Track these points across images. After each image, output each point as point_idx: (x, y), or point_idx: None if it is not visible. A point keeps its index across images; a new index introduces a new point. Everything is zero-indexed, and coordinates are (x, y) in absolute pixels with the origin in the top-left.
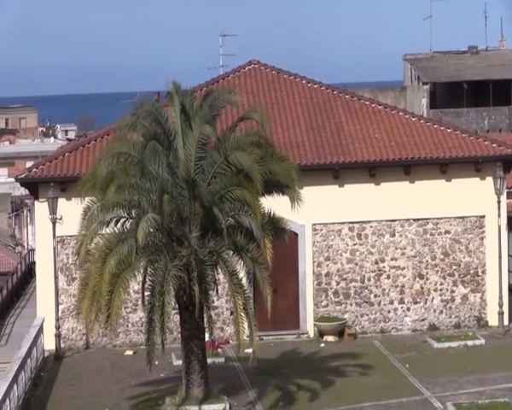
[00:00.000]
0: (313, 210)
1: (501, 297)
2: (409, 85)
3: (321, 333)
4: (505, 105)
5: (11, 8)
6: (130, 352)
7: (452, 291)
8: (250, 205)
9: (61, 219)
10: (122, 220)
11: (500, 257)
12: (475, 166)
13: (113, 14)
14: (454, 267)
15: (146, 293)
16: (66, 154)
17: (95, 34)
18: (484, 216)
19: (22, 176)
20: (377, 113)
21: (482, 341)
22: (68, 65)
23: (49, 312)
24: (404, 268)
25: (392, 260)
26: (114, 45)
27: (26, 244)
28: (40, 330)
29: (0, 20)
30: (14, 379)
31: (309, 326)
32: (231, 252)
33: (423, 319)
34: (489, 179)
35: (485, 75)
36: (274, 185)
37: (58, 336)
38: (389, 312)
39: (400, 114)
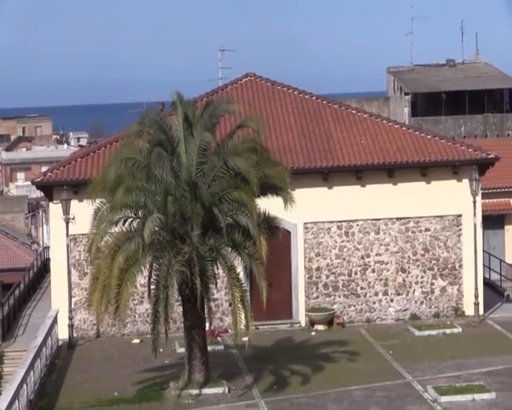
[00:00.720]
0: (304, 210)
1: (476, 289)
2: (392, 96)
3: (312, 322)
4: (480, 113)
5: (24, 27)
6: (137, 340)
7: (432, 284)
8: (247, 205)
9: (73, 219)
10: (129, 220)
11: (476, 253)
12: (453, 169)
13: (121, 33)
14: (433, 262)
15: (151, 286)
16: (78, 159)
17: (104, 50)
18: (461, 215)
19: (38, 180)
20: (363, 121)
21: (459, 329)
22: (80, 78)
23: (62, 304)
24: (387, 263)
25: (376, 255)
26: (122, 60)
27: (41, 242)
28: (54, 320)
29: (16, 39)
30: (31, 366)
31: (301, 316)
32: (230, 249)
33: (405, 310)
34: (465, 181)
35: (461, 86)
36: (268, 187)
37: (71, 326)
38: (374, 303)
39: (384, 121)
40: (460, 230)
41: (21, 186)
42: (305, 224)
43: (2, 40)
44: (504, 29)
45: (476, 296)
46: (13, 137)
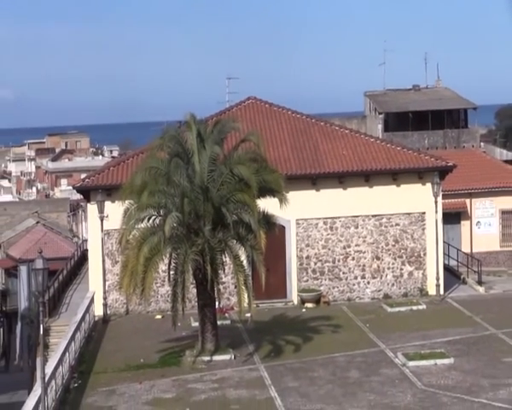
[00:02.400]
0: (296, 209)
1: (438, 273)
2: (368, 115)
3: (302, 301)
4: (440, 129)
5: (65, 58)
6: (159, 316)
7: (401, 269)
8: (249, 205)
9: (107, 216)
10: (153, 218)
11: (437, 243)
12: (418, 175)
13: (142, 63)
14: (402, 251)
15: (171, 272)
16: (110, 168)
17: (130, 77)
18: (425, 212)
19: (78, 185)
20: (344, 135)
21: (424, 306)
22: (111, 100)
23: (98, 287)
24: (364, 252)
25: (355, 246)
26: (145, 85)
27: (80, 236)
28: (91, 300)
29: (59, 68)
30: (72, 338)
31: (293, 296)
32: (235, 241)
33: (379, 290)
34: (428, 185)
35: (425, 107)
36: (267, 190)
37: (105, 305)
38: (354, 285)
39: (362, 136)
40: (424, 224)
41: (64, 190)
42: (296, 220)
43: (48, 70)
44: (460, 60)
45: (437, 279)
46: (57, 150)
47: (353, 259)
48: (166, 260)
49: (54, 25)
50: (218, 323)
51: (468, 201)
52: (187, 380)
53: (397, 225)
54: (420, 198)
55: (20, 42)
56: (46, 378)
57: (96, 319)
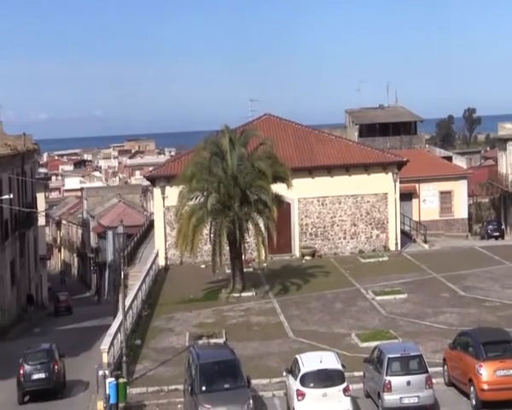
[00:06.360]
0: (298, 191)
1: (396, 235)
2: (348, 125)
3: (303, 255)
4: (398, 135)
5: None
6: (203, 266)
7: (371, 232)
8: (265, 189)
9: (167, 197)
10: (199, 197)
11: (396, 214)
12: (383, 167)
13: (192, 90)
14: (372, 220)
15: (211, 235)
16: (169, 163)
17: (183, 98)
18: (387, 193)
19: (147, 175)
20: (332, 140)
21: (386, 258)
22: (171, 116)
23: (161, 245)
24: (346, 221)
25: (339, 216)
26: (193, 105)
27: (149, 210)
28: (157, 255)
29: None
30: (143, 280)
31: (296, 251)
32: (256, 213)
33: (356, 247)
34: (390, 174)
35: (387, 120)
36: (278, 178)
37: (166, 258)
38: (338, 243)
39: (344, 140)
40: (387, 201)
41: (137, 179)
42: (298, 199)
43: (126, 96)
44: (412, 84)
45: (396, 239)
46: (133, 151)
47: (338, 225)
48: (208, 227)
49: (126, 65)
50: (244, 270)
51: (417, 185)
52: (223, 310)
53: (368, 202)
54: (384, 183)
55: (108, 77)
56: (126, 308)
57: (160, 267)
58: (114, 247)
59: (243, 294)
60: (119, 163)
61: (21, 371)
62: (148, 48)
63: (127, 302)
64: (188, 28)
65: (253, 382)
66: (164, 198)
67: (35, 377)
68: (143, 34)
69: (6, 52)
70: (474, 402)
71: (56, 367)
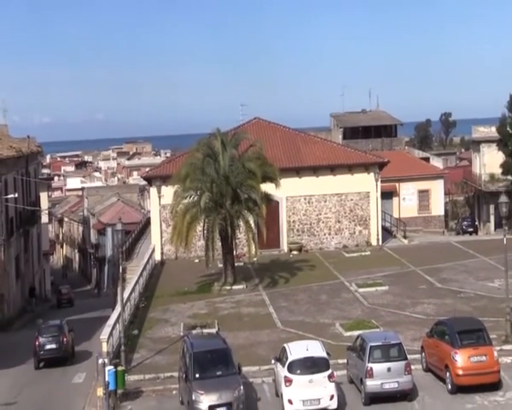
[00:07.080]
0: (286, 190)
1: (377, 231)
2: (333, 128)
3: (290, 250)
4: (379, 138)
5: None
6: (197, 260)
7: (354, 228)
8: (255, 188)
9: (163, 195)
10: (192, 196)
11: (377, 212)
12: (365, 167)
13: (186, 95)
14: (355, 217)
15: (204, 231)
16: (165, 164)
17: (177, 104)
18: (369, 192)
19: (144, 175)
20: (318, 142)
21: (368, 252)
22: (166, 120)
23: (157, 241)
24: (331, 218)
25: (324, 214)
26: (187, 111)
27: (145, 208)
28: (153, 250)
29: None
30: (141, 274)
31: (284, 246)
32: (246, 211)
33: (340, 242)
34: (372, 174)
35: (369, 123)
36: (267, 178)
37: (162, 253)
38: (323, 239)
39: (329, 142)
40: (369, 199)
41: (135, 178)
42: (286, 197)
43: (125, 101)
44: (393, 89)
45: (377, 235)
46: (130, 153)
47: (323, 222)
48: (201, 224)
49: (132, 71)
50: (235, 264)
51: (397, 184)
52: (215, 302)
53: (351, 200)
54: (366, 182)
55: (110, 82)
56: (124, 301)
57: (156, 262)
58: (113, 243)
59: (234, 287)
60: (118, 164)
61: (36, 343)
62: (148, 54)
63: (125, 295)
64: (184, 36)
65: (244, 369)
66: (160, 197)
67: (48, 347)
68: (143, 41)
69: (12, 58)
70: (449, 387)
71: (65, 339)
